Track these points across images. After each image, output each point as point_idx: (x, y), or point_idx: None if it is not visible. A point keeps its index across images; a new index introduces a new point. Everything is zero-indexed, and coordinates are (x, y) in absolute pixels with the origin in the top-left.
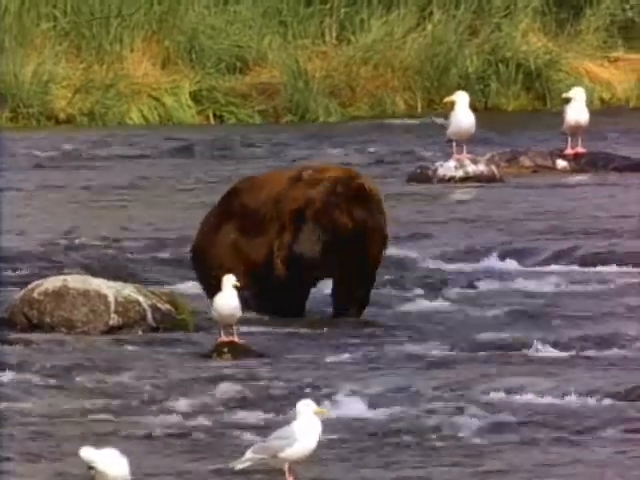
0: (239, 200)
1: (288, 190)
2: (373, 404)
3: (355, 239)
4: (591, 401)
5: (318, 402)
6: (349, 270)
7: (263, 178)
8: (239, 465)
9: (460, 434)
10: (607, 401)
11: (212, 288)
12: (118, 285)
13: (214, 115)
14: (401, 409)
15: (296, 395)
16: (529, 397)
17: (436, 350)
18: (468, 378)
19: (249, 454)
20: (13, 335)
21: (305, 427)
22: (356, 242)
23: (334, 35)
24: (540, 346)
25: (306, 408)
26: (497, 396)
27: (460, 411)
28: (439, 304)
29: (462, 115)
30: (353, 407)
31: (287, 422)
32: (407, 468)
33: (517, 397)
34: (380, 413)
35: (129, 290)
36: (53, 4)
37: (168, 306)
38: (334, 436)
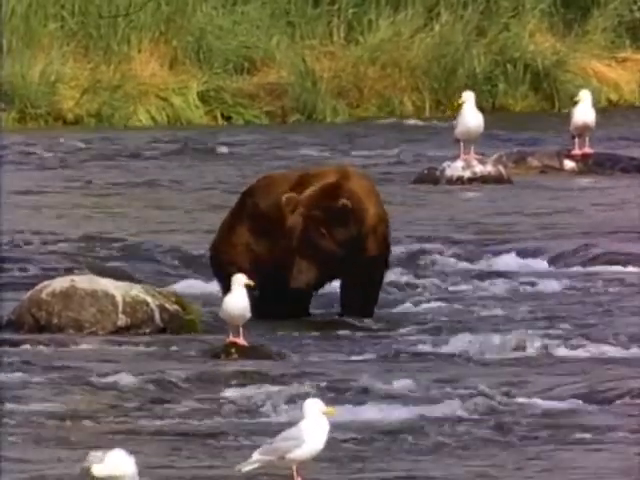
0: (252, 200)
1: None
2: (381, 404)
3: (346, 253)
4: (597, 401)
5: (326, 402)
6: (350, 276)
7: (275, 178)
8: (246, 467)
9: (467, 434)
10: (613, 401)
11: (227, 288)
12: (126, 285)
13: (222, 115)
14: (409, 409)
15: (304, 395)
16: (536, 397)
17: (443, 350)
18: (476, 378)
19: (256, 456)
20: (21, 336)
21: (313, 427)
22: (349, 255)
23: (342, 35)
24: (547, 346)
25: (314, 408)
26: (504, 396)
27: (468, 411)
28: (446, 304)
29: (470, 115)
30: (361, 407)
31: (295, 422)
32: (416, 468)
33: (524, 397)
34: (388, 413)
35: (137, 290)
36: (61, 5)
37: (176, 306)
38: (341, 436)
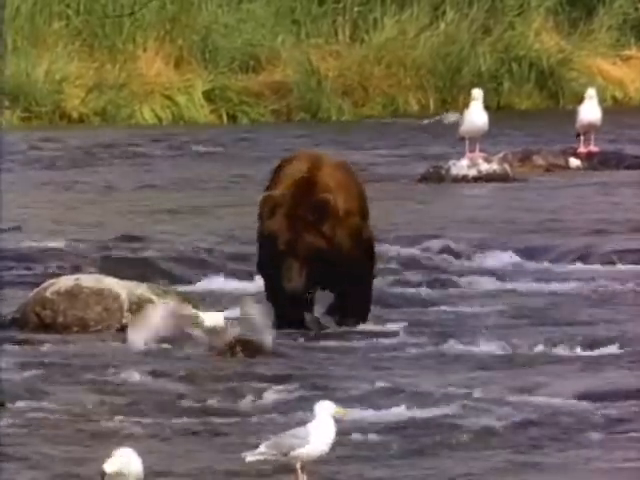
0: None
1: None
2: (384, 403)
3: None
4: (594, 402)
5: (331, 401)
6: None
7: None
8: (251, 457)
9: (467, 434)
10: (610, 402)
11: None
12: (131, 284)
13: (227, 114)
14: (411, 409)
15: (308, 394)
16: (532, 397)
17: (444, 349)
18: (474, 378)
19: (263, 448)
20: (25, 335)
21: (320, 430)
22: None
23: (347, 34)
24: (549, 344)
25: (324, 410)
26: (502, 395)
27: (466, 411)
28: (448, 303)
29: (475, 113)
30: (366, 406)
31: (302, 422)
32: (415, 468)
33: (519, 397)
34: (393, 413)
35: (142, 289)
36: (66, 4)
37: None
38: (346, 435)
